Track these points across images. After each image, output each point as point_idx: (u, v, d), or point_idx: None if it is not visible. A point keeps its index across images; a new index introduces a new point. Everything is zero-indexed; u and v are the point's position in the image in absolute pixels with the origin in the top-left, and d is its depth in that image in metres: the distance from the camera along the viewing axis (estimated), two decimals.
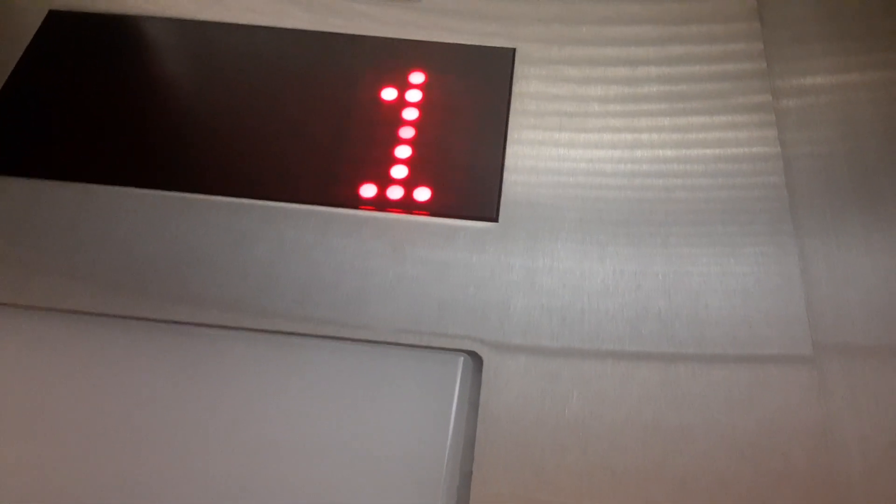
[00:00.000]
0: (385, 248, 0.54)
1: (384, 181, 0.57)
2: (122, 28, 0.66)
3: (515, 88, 0.62)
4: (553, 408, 0.48)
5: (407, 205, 0.56)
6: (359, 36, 0.65)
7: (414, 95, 0.62)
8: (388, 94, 0.62)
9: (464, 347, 0.50)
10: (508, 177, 0.58)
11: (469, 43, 0.65)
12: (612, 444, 0.47)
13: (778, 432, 0.47)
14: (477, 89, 0.62)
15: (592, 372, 0.49)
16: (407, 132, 0.60)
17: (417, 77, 0.63)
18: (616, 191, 0.57)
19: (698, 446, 0.47)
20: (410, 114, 0.61)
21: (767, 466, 0.46)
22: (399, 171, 0.58)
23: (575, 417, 0.48)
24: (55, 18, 0.67)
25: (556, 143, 0.59)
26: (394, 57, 0.64)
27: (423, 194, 0.56)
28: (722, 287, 0.52)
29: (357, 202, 0.56)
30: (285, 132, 0.60)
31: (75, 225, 0.55)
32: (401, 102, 0.61)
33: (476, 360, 0.50)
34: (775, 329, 0.51)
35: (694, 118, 0.60)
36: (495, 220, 0.55)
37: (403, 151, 0.59)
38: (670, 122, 0.60)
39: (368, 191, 0.57)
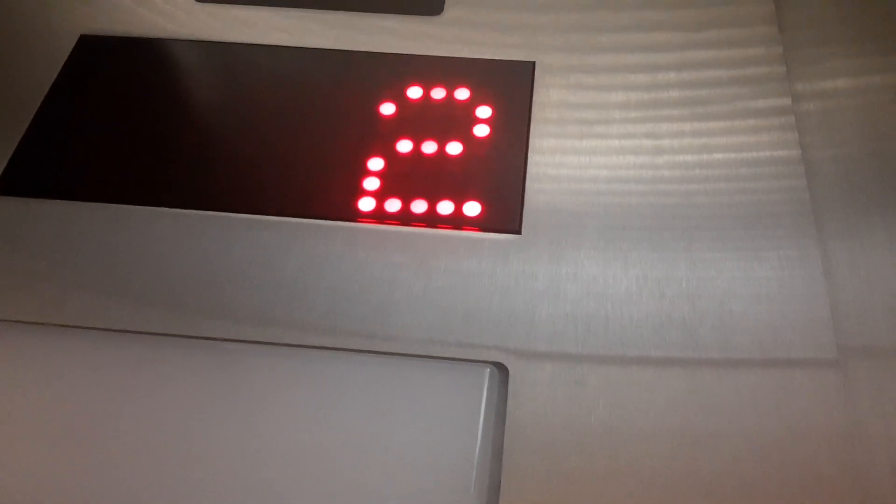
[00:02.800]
0: (410, 262, 0.55)
1: (408, 196, 0.58)
2: (152, 51, 0.67)
3: (536, 98, 0.63)
4: (580, 415, 0.48)
5: (431, 219, 0.57)
6: (381, 53, 0.66)
7: None
8: None
9: (490, 357, 0.51)
10: (531, 185, 0.58)
11: (489, 57, 0.66)
12: (640, 450, 0.47)
13: (804, 436, 0.47)
14: (498, 102, 0.63)
15: (618, 379, 0.50)
16: (429, 147, 0.61)
17: (439, 92, 0.63)
18: (638, 197, 0.57)
19: (725, 451, 0.47)
20: None
21: (794, 470, 0.46)
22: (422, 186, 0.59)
23: (602, 425, 0.48)
24: (87, 43, 0.68)
25: (578, 151, 0.60)
26: (416, 73, 0.65)
27: (446, 208, 0.57)
28: (746, 292, 0.53)
29: (382, 217, 0.57)
30: (311, 150, 0.61)
31: (110, 245, 0.56)
32: None
33: (502, 370, 0.50)
34: (800, 333, 0.51)
35: (714, 123, 0.60)
36: (518, 231, 0.56)
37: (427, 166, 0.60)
38: (691, 127, 0.60)
39: (393, 205, 0.57)
